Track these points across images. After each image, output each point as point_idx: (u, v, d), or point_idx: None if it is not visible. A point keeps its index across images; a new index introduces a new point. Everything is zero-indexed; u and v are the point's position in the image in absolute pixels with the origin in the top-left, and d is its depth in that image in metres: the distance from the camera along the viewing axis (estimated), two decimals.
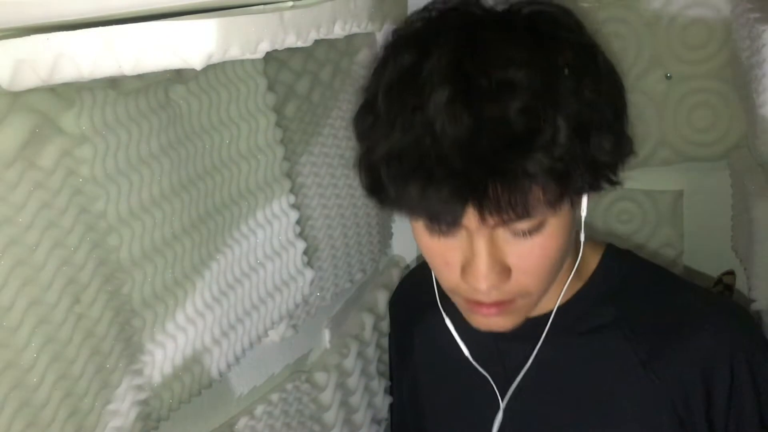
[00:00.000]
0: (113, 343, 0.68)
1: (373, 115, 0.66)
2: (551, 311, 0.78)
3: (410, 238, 0.74)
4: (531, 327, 0.77)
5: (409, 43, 0.65)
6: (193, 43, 0.50)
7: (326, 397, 1.05)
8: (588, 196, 0.71)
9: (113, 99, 0.67)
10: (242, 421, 0.90)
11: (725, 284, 1.18)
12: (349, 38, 1.08)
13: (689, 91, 1.16)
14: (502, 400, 0.80)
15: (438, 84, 0.60)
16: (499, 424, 0.81)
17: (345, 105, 1.09)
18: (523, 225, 0.65)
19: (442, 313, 0.83)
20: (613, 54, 0.70)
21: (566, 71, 0.62)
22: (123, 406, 0.70)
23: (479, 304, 0.70)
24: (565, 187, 0.62)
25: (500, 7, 0.67)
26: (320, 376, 1.05)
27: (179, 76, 0.75)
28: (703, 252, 1.25)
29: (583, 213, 0.73)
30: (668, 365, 0.74)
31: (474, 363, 0.82)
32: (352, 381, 1.12)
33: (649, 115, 1.18)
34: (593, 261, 0.81)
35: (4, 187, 0.58)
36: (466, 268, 0.67)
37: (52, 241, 0.62)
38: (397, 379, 0.99)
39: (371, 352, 1.18)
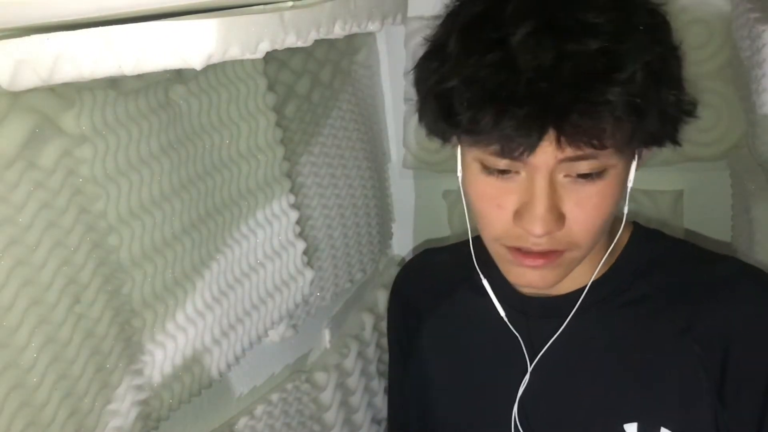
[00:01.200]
0: (113, 343, 0.68)
1: (442, 55, 0.67)
2: (584, 286, 0.77)
3: (410, 238, 0.73)
4: (564, 302, 0.77)
5: None
6: (193, 43, 0.50)
7: (326, 397, 1.05)
8: (637, 164, 0.71)
9: (113, 99, 0.67)
10: (242, 421, 0.90)
11: None
12: (349, 38, 1.08)
13: (689, 91, 1.16)
14: (530, 364, 0.79)
15: (522, 19, 0.62)
16: (524, 388, 0.79)
17: (345, 105, 1.09)
18: (586, 166, 0.65)
19: (480, 276, 0.81)
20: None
21: (641, 28, 0.65)
22: (123, 406, 0.70)
23: (525, 254, 0.69)
24: (638, 126, 0.64)
25: None
26: (320, 376, 1.05)
27: (179, 76, 0.75)
28: None
29: (630, 182, 0.72)
30: (708, 331, 0.73)
31: (508, 323, 0.80)
32: (352, 381, 1.12)
33: None
34: (624, 237, 0.81)
35: (4, 187, 0.58)
36: (521, 212, 0.67)
37: (52, 241, 0.62)
38: (403, 367, 0.97)
39: (371, 352, 1.18)
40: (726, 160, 1.17)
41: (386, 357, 1.20)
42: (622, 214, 0.76)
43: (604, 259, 0.77)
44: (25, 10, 0.51)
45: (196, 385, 0.79)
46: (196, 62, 0.51)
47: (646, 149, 0.71)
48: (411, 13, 1.14)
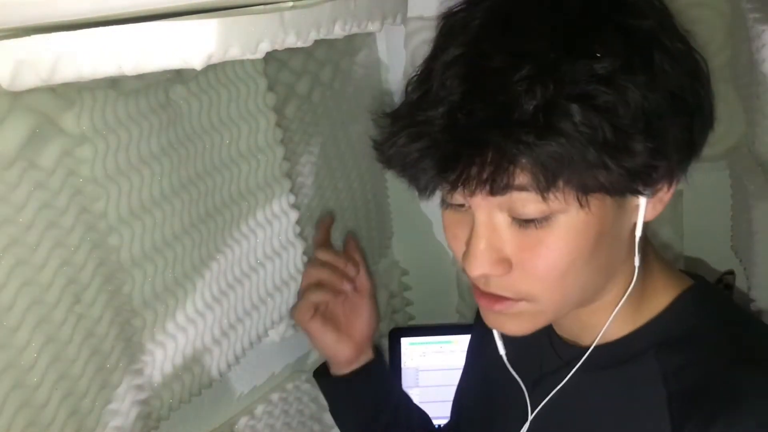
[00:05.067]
0: (113, 343, 0.68)
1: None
2: (601, 342, 0.67)
3: (410, 238, 0.73)
4: (570, 352, 0.70)
5: (463, 5, 0.62)
6: (193, 43, 0.50)
7: None
8: (649, 208, 0.61)
9: (113, 99, 0.67)
10: (242, 421, 0.90)
11: (725, 284, 1.18)
12: (349, 38, 1.08)
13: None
14: (532, 412, 0.73)
15: (450, 45, 0.59)
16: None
17: (345, 105, 1.09)
18: (524, 209, 0.57)
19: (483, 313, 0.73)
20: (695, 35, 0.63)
21: (599, 53, 0.54)
22: (123, 406, 0.70)
23: (480, 292, 0.64)
24: (553, 180, 0.54)
25: None
26: None
27: (179, 76, 0.75)
28: (703, 252, 1.24)
29: (638, 231, 0.62)
30: None
31: (509, 367, 0.75)
32: None
33: None
34: (665, 297, 0.68)
35: (4, 187, 0.58)
36: (466, 250, 0.62)
37: (52, 241, 0.62)
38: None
39: None
40: (726, 160, 1.17)
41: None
42: (669, 264, 0.68)
43: (615, 311, 0.66)
44: (25, 10, 0.51)
45: (197, 384, 0.79)
46: (196, 62, 0.51)
47: (651, 190, 0.60)
48: (411, 13, 1.14)
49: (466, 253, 0.61)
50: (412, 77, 0.64)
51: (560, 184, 0.55)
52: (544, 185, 0.55)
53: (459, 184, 0.56)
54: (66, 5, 0.51)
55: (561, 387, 0.69)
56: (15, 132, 0.58)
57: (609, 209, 0.59)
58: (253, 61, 0.84)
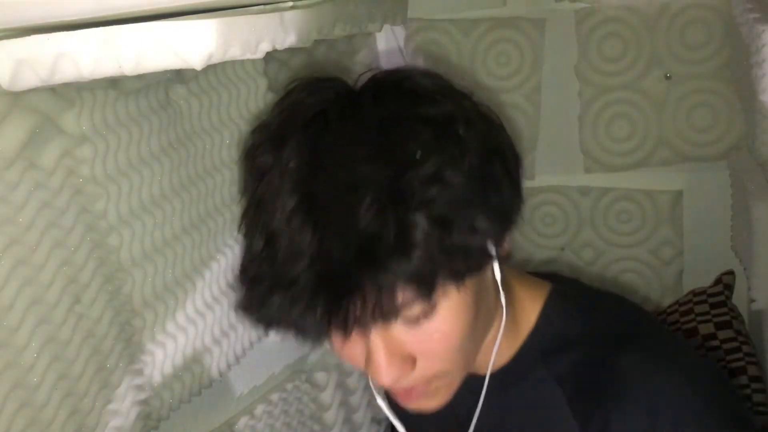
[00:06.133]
0: (113, 342, 0.68)
1: (245, 218, 0.63)
2: (493, 367, 0.71)
3: None
4: (475, 383, 0.72)
5: (265, 144, 0.62)
6: (193, 43, 0.50)
7: (326, 397, 1.05)
8: (500, 252, 0.65)
9: (113, 99, 0.67)
10: (242, 421, 0.90)
11: (725, 284, 1.18)
12: (349, 38, 1.08)
13: (689, 91, 1.16)
14: None
15: (280, 197, 0.57)
16: None
17: None
18: (409, 315, 0.59)
19: (375, 394, 0.77)
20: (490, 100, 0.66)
21: (418, 156, 0.56)
22: (123, 406, 0.70)
23: (395, 392, 0.67)
24: (431, 286, 0.57)
25: (357, 85, 0.64)
26: (320, 376, 1.05)
27: (179, 76, 0.75)
28: (703, 252, 1.25)
29: (498, 275, 0.66)
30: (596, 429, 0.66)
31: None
32: (352, 381, 1.12)
33: (648, 115, 1.19)
34: (532, 312, 0.73)
35: (4, 187, 0.58)
36: (368, 363, 0.63)
37: (52, 241, 0.62)
38: None
39: None
40: (726, 160, 1.17)
41: None
42: (526, 284, 0.72)
43: (496, 348, 0.70)
44: (25, 10, 0.51)
45: (197, 384, 0.79)
46: (196, 62, 0.51)
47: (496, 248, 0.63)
48: (411, 13, 1.14)
49: (370, 369, 0.63)
50: (247, 231, 0.63)
51: (437, 283, 0.57)
52: (426, 292, 0.57)
53: (349, 327, 0.57)
54: (66, 5, 0.51)
55: (476, 419, 0.72)
56: (15, 132, 0.58)
57: (476, 277, 0.63)
58: (253, 61, 0.84)
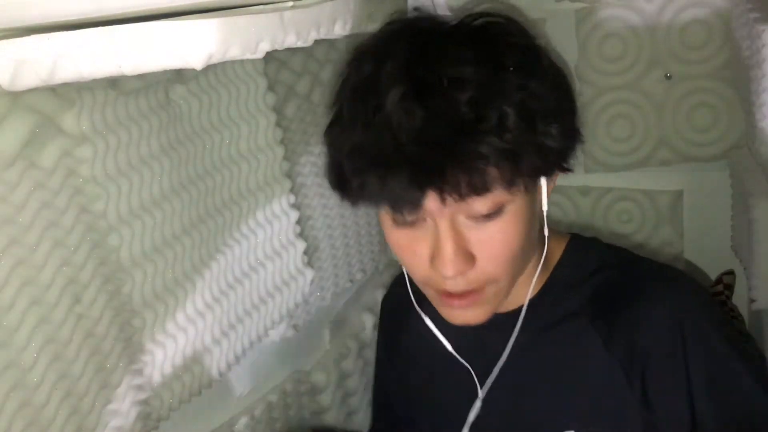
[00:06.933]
0: (113, 343, 0.68)
1: (339, 121, 0.72)
2: (521, 306, 0.80)
3: None
4: (506, 320, 0.81)
5: (367, 56, 0.70)
6: (193, 43, 0.50)
7: (326, 397, 1.05)
8: (547, 188, 0.75)
9: (113, 99, 0.67)
10: (242, 421, 0.90)
11: (725, 284, 1.18)
12: (349, 38, 1.08)
13: (689, 91, 1.16)
14: (481, 389, 0.83)
15: (392, 85, 0.65)
16: (476, 413, 0.84)
17: None
18: (482, 207, 0.67)
19: (419, 312, 0.85)
20: (559, 56, 0.78)
21: (511, 69, 0.67)
22: (123, 406, 0.70)
23: (450, 296, 0.73)
24: (517, 167, 0.66)
25: (452, 21, 0.73)
26: (320, 376, 1.05)
27: (179, 76, 0.75)
28: (703, 252, 1.25)
29: (545, 207, 0.76)
30: (621, 341, 0.76)
31: (455, 354, 0.85)
32: (352, 381, 1.12)
33: (649, 115, 1.19)
34: (557, 252, 0.84)
35: (4, 187, 0.58)
36: (433, 258, 0.70)
37: (52, 241, 0.62)
38: (384, 372, 1.03)
39: (371, 352, 1.18)
40: (726, 160, 1.17)
41: None
42: (552, 229, 0.79)
43: (535, 278, 0.80)
44: (25, 10, 0.51)
45: (197, 384, 0.79)
46: (197, 62, 0.51)
47: (548, 177, 0.74)
48: (411, 13, 1.14)
49: (436, 260, 0.70)
50: (343, 97, 0.73)
51: (521, 171, 0.67)
52: (509, 177, 0.67)
53: (446, 196, 0.65)
54: (66, 5, 0.51)
55: (510, 348, 0.81)
56: (15, 132, 0.58)
57: (533, 191, 0.72)
58: (253, 61, 0.84)
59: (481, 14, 0.73)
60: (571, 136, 0.74)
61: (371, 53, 0.70)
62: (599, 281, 0.80)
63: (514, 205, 0.70)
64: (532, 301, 0.81)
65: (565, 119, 0.72)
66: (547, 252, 0.80)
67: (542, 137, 0.68)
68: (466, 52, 0.67)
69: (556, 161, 0.72)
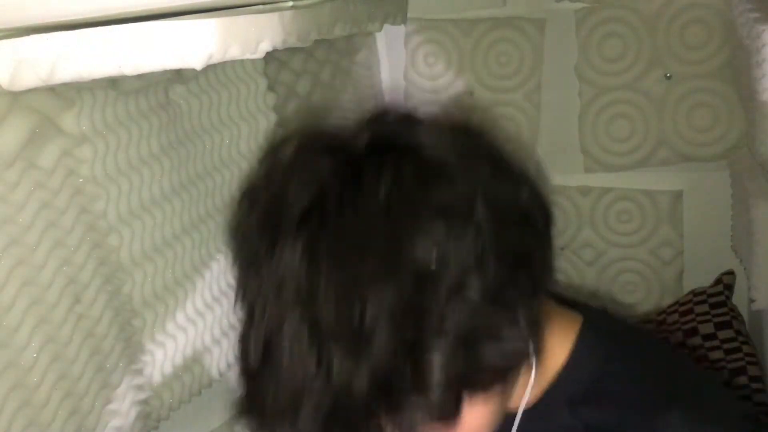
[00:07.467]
0: (113, 343, 0.68)
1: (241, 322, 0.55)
2: (516, 412, 0.65)
3: None
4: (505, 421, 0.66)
5: (255, 231, 0.53)
6: (193, 43, 0.50)
7: None
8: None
9: (113, 99, 0.67)
10: (242, 421, 0.90)
11: (725, 284, 1.18)
12: (349, 38, 1.08)
13: (689, 91, 1.16)
14: None
15: (281, 307, 0.49)
16: None
17: (345, 105, 1.09)
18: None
19: None
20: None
21: (433, 264, 0.49)
22: (123, 406, 0.70)
23: None
24: (455, 412, 0.52)
25: (358, 137, 0.53)
26: None
27: (179, 76, 0.75)
28: (703, 252, 1.24)
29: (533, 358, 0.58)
30: None
31: None
32: None
33: (649, 115, 1.19)
34: (562, 350, 0.66)
35: (4, 187, 0.58)
36: None
37: (52, 241, 0.62)
38: None
39: None
40: (726, 160, 1.17)
41: None
42: (557, 320, 0.64)
43: (529, 388, 0.62)
44: (25, 10, 0.51)
45: (197, 384, 0.79)
46: (196, 62, 0.51)
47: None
48: (411, 13, 1.14)
49: None
50: (242, 335, 0.54)
51: (462, 404, 0.52)
52: (449, 418, 0.51)
53: None
54: (66, 5, 0.51)
55: None
56: (15, 132, 0.58)
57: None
58: (253, 61, 0.84)
59: (396, 130, 0.53)
60: (538, 289, 0.56)
61: (258, 226, 0.52)
62: (607, 413, 0.63)
63: (474, 409, 0.54)
64: (527, 411, 0.66)
65: (526, 283, 0.54)
66: (546, 350, 0.62)
67: (491, 352, 0.51)
68: (366, 254, 0.49)
69: (518, 354, 0.54)
